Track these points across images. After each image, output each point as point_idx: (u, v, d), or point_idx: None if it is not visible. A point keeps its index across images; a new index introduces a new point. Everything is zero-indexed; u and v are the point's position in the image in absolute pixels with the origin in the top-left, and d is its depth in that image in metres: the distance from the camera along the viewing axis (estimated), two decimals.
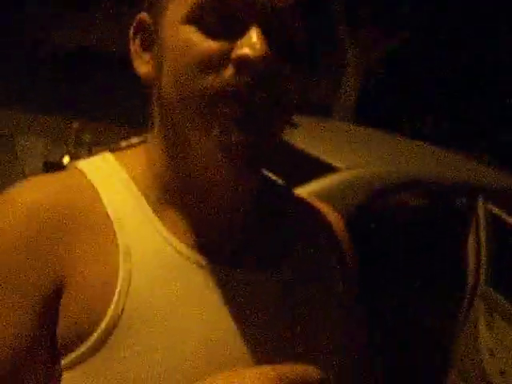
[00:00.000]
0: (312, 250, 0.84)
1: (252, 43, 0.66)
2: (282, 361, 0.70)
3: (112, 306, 0.69)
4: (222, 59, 0.67)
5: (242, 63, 0.66)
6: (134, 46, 0.77)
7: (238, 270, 0.76)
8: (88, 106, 8.87)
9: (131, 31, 0.78)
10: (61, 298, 0.70)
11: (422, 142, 3.60)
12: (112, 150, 0.83)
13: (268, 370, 0.66)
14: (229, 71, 0.67)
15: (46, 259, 0.70)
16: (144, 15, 0.77)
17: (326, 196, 2.38)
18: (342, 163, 2.57)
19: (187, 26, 0.69)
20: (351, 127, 4.17)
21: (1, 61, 10.76)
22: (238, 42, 0.67)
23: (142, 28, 0.77)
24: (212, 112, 0.68)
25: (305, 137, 2.84)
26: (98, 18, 12.98)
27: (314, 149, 2.72)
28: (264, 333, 0.75)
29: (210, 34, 0.68)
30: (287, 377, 0.65)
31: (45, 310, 0.69)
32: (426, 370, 2.95)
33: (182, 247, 0.74)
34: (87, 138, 5.19)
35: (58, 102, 9.06)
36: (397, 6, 9.36)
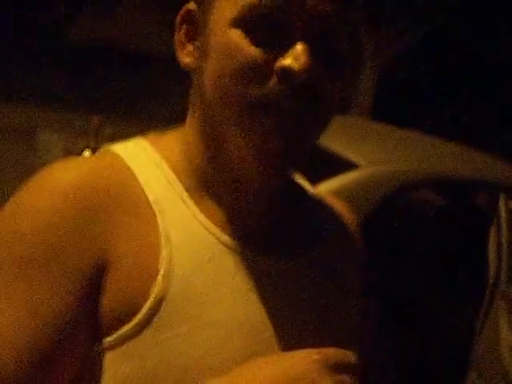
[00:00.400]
0: (331, 243, 0.89)
1: (297, 55, 0.69)
2: (308, 341, 0.75)
3: (156, 287, 0.71)
4: (266, 69, 0.70)
5: (286, 74, 0.69)
6: (179, 35, 0.79)
7: (267, 257, 0.79)
8: (108, 100, 8.89)
9: (178, 20, 0.79)
10: (103, 277, 0.71)
11: (441, 139, 3.58)
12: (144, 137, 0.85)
13: (313, 353, 0.69)
14: (271, 81, 0.70)
15: (88, 237, 0.71)
16: (192, 5, 0.78)
17: (348, 193, 2.37)
18: (363, 160, 2.56)
19: (235, 28, 0.71)
20: (370, 124, 4.15)
21: (22, 56, 10.82)
22: (284, 54, 0.69)
23: (188, 18, 0.78)
24: (252, 120, 0.71)
25: (326, 134, 2.83)
26: (120, 14, 13.01)
27: (334, 146, 2.71)
28: (292, 315, 0.79)
29: (257, 41, 0.70)
30: (330, 360, 0.68)
31: (87, 288, 0.70)
32: (445, 367, 2.93)
33: (218, 231, 0.77)
34: (108, 132, 5.21)
35: (79, 96, 9.09)
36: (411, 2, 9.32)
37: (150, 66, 10.68)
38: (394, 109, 10.75)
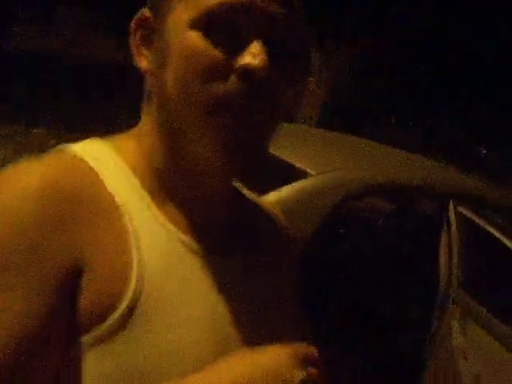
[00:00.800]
0: (274, 243, 0.95)
1: (255, 54, 0.73)
2: (266, 333, 0.82)
3: (131, 288, 0.73)
4: (226, 68, 0.74)
5: (245, 72, 0.73)
6: (135, 41, 0.82)
7: (226, 257, 0.84)
8: (50, 112, 8.69)
9: (132, 26, 0.82)
10: (80, 278, 0.72)
11: (389, 147, 3.60)
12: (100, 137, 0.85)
13: (284, 348, 0.75)
14: (232, 80, 0.74)
15: (62, 240, 0.72)
16: (146, 12, 0.82)
17: (297, 201, 2.35)
18: (311, 168, 2.54)
19: (194, 31, 0.74)
20: (317, 131, 4.15)
21: None
22: (242, 53, 0.74)
23: (143, 24, 0.82)
24: (213, 117, 0.75)
25: (275, 142, 2.79)
26: (57, 21, 12.81)
27: (283, 154, 2.69)
28: (252, 310, 0.84)
29: (216, 42, 0.74)
30: (298, 354, 0.74)
31: (64, 288, 0.71)
32: (400, 373, 2.93)
33: (180, 235, 0.80)
34: (52, 144, 5.09)
35: (18, 109, 8.85)
36: (359, 11, 9.51)
37: (91, 75, 10.53)
38: (357, 112, 10.93)
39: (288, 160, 2.62)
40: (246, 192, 0.99)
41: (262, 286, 0.88)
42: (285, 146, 2.76)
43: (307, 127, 5.78)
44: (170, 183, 0.82)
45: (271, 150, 2.70)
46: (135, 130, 0.85)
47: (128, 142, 0.84)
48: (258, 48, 0.73)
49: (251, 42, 0.74)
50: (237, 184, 0.95)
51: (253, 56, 0.73)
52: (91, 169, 0.78)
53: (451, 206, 2.75)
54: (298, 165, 2.58)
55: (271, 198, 2.19)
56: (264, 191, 2.31)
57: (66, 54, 12.33)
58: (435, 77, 11.35)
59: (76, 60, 11.90)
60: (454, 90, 11.45)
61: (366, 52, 10.58)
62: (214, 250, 0.83)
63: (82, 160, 0.78)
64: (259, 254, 0.90)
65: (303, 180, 2.47)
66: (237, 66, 0.73)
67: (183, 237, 0.80)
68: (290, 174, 2.51)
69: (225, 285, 0.82)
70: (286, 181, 2.41)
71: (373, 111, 11.35)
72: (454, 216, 2.74)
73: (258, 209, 0.99)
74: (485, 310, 2.63)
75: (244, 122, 0.75)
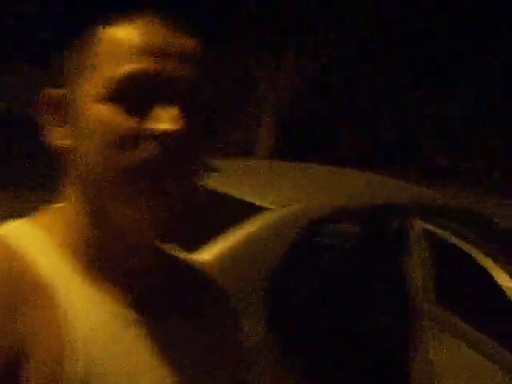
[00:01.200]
0: (210, 304, 0.94)
1: (168, 119, 0.73)
2: None
3: (77, 372, 0.72)
4: (139, 134, 0.74)
5: (160, 137, 0.73)
6: (46, 121, 0.82)
7: (162, 322, 0.83)
8: None
9: (41, 105, 0.81)
10: (23, 369, 0.71)
11: (344, 169, 3.61)
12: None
13: None
14: (146, 145, 0.74)
15: (2, 330, 0.70)
16: (51, 91, 0.81)
17: (258, 237, 2.32)
18: (268, 203, 2.52)
19: (102, 103, 0.75)
20: (273, 164, 4.15)
21: None
22: (155, 118, 0.74)
23: (53, 103, 0.81)
24: (135, 186, 0.74)
25: (228, 180, 2.77)
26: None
27: (238, 191, 2.66)
28: (194, 372, 0.84)
29: (125, 110, 0.74)
30: None
31: (7, 378, 0.69)
32: None
33: (114, 306, 0.80)
34: None
35: None
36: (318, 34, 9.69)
37: (31, 137, 10.33)
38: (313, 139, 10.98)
39: (243, 197, 2.60)
40: (177, 253, 0.98)
41: (202, 346, 0.88)
42: (240, 184, 2.74)
43: (261, 161, 5.78)
44: (101, 253, 0.81)
45: (225, 189, 2.67)
46: (59, 205, 0.85)
47: (53, 217, 0.84)
48: (172, 112, 0.74)
49: (163, 105, 0.74)
50: (169, 245, 0.94)
51: (166, 121, 0.73)
52: (19, 253, 0.77)
53: (414, 221, 2.75)
54: (254, 200, 2.55)
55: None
56: (223, 230, 2.29)
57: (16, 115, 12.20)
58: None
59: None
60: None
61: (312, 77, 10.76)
62: (152, 315, 0.82)
63: (7, 245, 0.77)
64: (196, 313, 0.90)
65: (263, 214, 2.44)
66: (149, 132, 0.74)
67: (120, 307, 0.80)
68: (246, 210, 2.48)
69: (166, 349, 0.82)
70: (243, 218, 2.39)
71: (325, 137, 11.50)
72: (417, 231, 2.74)
73: (190, 268, 0.98)
74: (461, 322, 2.61)
75: (164, 184, 0.75)
